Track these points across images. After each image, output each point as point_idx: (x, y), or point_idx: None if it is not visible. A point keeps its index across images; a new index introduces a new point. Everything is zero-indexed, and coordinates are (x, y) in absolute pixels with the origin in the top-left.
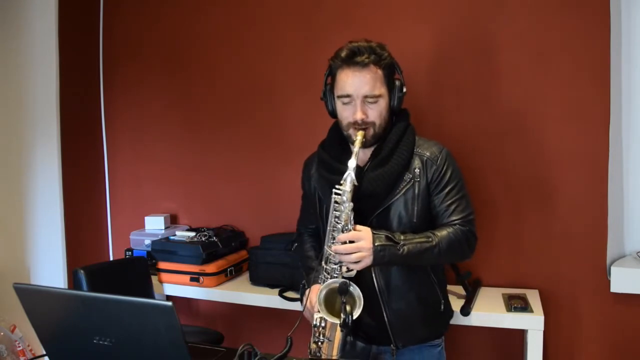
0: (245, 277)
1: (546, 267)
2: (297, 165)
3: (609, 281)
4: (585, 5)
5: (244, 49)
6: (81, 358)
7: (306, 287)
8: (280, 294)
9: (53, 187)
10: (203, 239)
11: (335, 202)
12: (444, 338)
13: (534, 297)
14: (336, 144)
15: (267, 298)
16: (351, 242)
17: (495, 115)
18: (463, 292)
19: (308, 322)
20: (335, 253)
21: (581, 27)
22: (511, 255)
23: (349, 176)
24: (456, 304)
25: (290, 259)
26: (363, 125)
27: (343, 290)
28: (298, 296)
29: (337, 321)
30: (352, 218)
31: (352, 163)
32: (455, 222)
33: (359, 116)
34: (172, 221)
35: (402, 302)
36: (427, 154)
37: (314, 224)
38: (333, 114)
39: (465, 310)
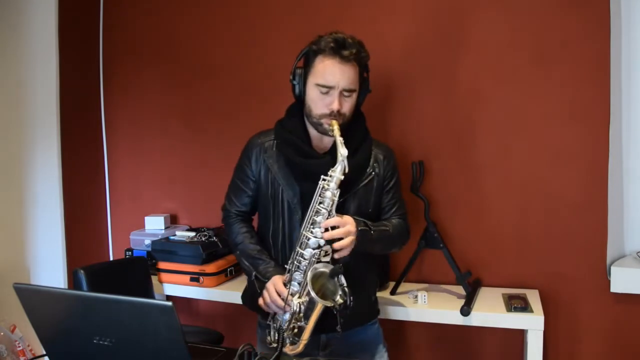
0: (245, 277)
1: (546, 267)
2: None
3: (609, 281)
4: (585, 5)
5: (244, 49)
6: (81, 358)
7: (261, 278)
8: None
9: (53, 187)
10: (203, 239)
11: (323, 187)
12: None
13: (534, 297)
14: (296, 127)
15: None
16: (334, 227)
17: (495, 114)
18: (463, 292)
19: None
20: (328, 238)
21: (581, 27)
22: (511, 255)
23: (340, 164)
24: (456, 304)
25: None
26: (337, 115)
27: (337, 273)
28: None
29: (330, 304)
30: (336, 203)
31: (344, 152)
32: (399, 217)
33: (335, 106)
34: (172, 221)
35: (350, 287)
36: (384, 152)
37: (246, 206)
38: (300, 98)
39: (465, 310)
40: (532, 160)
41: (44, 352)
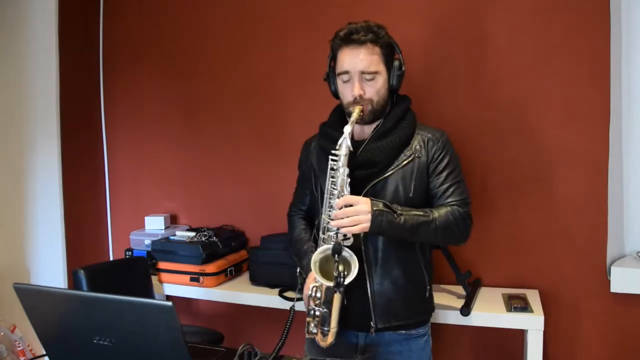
0: (245, 277)
1: (546, 267)
2: (297, 165)
3: (609, 281)
4: (585, 5)
5: (244, 49)
6: (81, 358)
7: (303, 275)
8: (280, 294)
9: (53, 187)
10: (203, 239)
11: (332, 168)
12: (429, 327)
13: (534, 297)
14: (337, 122)
15: (267, 298)
16: (348, 206)
17: (495, 114)
18: (463, 292)
19: (303, 319)
20: (334, 218)
21: (581, 26)
22: (511, 255)
23: (345, 141)
24: (456, 304)
25: (290, 259)
26: (361, 101)
27: (337, 250)
28: (299, 296)
29: (331, 284)
30: (347, 184)
31: (347, 129)
32: (454, 203)
33: (356, 92)
34: (172, 221)
35: (388, 278)
36: (429, 135)
37: (306, 205)
38: (336, 94)
39: (465, 310)
40: (531, 160)
41: (44, 352)
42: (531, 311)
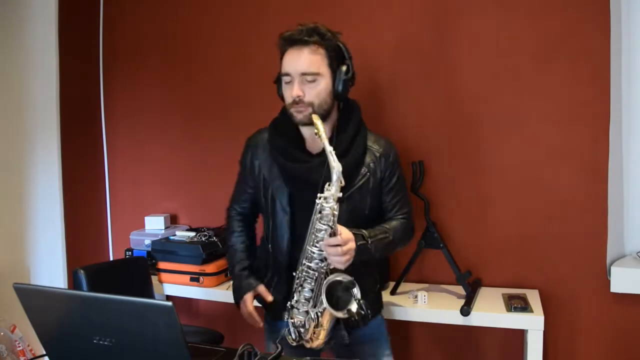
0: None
1: (546, 267)
2: None
3: (609, 281)
4: (585, 5)
5: (244, 50)
6: (81, 358)
7: (242, 288)
8: None
9: (53, 187)
10: (203, 239)
11: (321, 205)
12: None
13: (534, 297)
14: (289, 128)
15: None
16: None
17: (495, 114)
18: (463, 292)
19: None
20: (330, 255)
21: (581, 26)
22: (511, 255)
23: (337, 180)
24: (456, 304)
25: None
26: (300, 103)
27: (350, 287)
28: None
29: (341, 315)
30: (336, 217)
31: (339, 166)
32: (403, 216)
33: (294, 93)
34: (172, 221)
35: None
36: (380, 150)
37: (247, 203)
38: (282, 96)
39: (465, 310)
40: (532, 160)
41: (44, 352)
42: (531, 311)
